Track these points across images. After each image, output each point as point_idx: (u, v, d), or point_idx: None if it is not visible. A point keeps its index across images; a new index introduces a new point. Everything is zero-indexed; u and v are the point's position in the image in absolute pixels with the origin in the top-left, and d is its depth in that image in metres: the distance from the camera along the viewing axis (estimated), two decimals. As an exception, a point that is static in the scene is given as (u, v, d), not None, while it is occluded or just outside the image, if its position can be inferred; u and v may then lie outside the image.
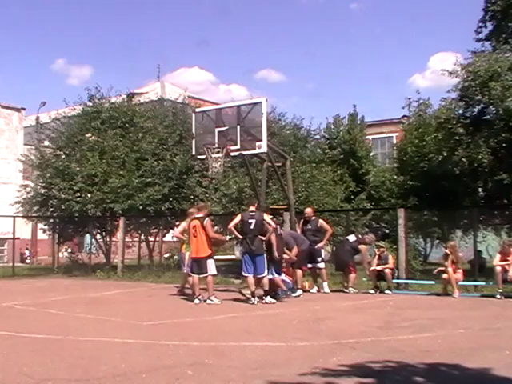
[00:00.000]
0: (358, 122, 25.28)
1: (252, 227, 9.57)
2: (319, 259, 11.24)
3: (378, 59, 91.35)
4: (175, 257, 16.33)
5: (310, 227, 11.28)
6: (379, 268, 11.15)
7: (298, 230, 11.52)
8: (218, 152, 10.76)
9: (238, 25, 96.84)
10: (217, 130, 10.94)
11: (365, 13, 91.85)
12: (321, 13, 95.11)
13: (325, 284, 11.25)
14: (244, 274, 9.65)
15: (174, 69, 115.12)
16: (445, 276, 10.43)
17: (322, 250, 11.41)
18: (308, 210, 11.67)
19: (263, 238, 9.58)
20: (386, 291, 10.95)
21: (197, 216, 9.78)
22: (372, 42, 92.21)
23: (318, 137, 23.17)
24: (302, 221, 11.60)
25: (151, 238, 18.97)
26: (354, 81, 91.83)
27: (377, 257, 11.58)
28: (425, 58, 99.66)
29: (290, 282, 10.35)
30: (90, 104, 19.49)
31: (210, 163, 10.91)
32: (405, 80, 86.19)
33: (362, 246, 11.35)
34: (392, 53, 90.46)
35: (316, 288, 11.29)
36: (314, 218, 11.50)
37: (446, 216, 16.78)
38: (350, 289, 11.08)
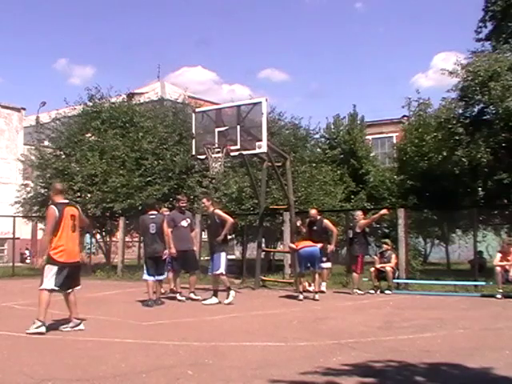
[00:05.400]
0: (358, 122, 25.30)
1: None
2: (324, 259, 11.15)
3: (381, 59, 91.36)
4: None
5: (315, 228, 11.18)
6: (379, 266, 11.17)
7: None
8: (218, 152, 10.76)
9: (242, 24, 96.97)
10: (217, 130, 10.93)
11: (369, 12, 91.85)
12: (325, 12, 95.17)
13: (323, 284, 11.21)
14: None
15: (176, 68, 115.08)
16: None
17: (328, 251, 11.23)
18: (313, 212, 11.52)
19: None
20: (386, 291, 10.95)
21: (69, 202, 7.31)
22: (375, 42, 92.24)
23: (317, 136, 23.18)
24: (307, 222, 11.54)
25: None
26: (356, 81, 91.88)
27: (379, 255, 11.62)
28: (427, 57, 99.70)
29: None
30: (90, 104, 19.50)
31: (210, 163, 10.91)
32: (407, 80, 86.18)
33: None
34: (395, 52, 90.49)
35: (313, 287, 11.23)
36: (318, 217, 11.46)
37: (445, 216, 16.78)
38: (355, 290, 10.84)
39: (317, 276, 10.21)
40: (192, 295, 9.84)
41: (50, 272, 6.54)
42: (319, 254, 10.26)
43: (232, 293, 9.39)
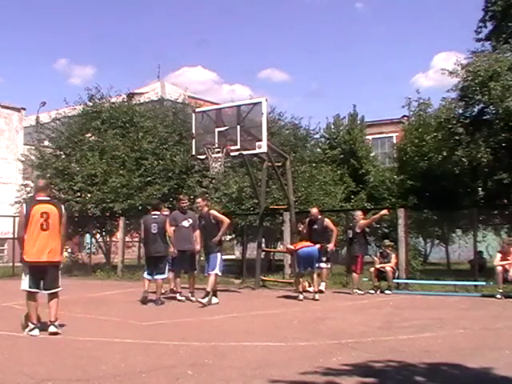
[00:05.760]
0: (358, 121, 25.29)
1: None
2: (324, 258, 11.15)
3: (381, 59, 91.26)
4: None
5: (316, 227, 11.19)
6: (379, 266, 11.18)
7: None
8: (218, 152, 10.75)
9: (242, 24, 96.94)
10: (217, 129, 10.93)
11: (369, 12, 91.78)
12: (325, 12, 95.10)
13: (322, 284, 11.20)
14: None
15: (176, 68, 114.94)
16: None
17: (328, 250, 11.22)
18: (314, 211, 11.52)
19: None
20: (386, 291, 10.95)
21: (48, 199, 6.70)
22: (375, 42, 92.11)
23: (317, 136, 23.17)
24: (307, 221, 11.55)
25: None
26: (356, 81, 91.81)
27: (379, 255, 11.61)
28: (428, 57, 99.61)
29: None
30: (90, 104, 19.50)
31: (210, 163, 10.91)
32: (407, 79, 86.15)
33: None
34: (395, 52, 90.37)
35: (313, 288, 11.22)
36: (319, 217, 11.46)
37: (445, 216, 16.78)
38: (355, 290, 10.84)
39: (315, 276, 10.21)
40: (189, 295, 9.84)
41: (24, 272, 6.44)
42: (317, 254, 10.28)
43: (214, 299, 9.22)
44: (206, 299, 9.11)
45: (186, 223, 9.89)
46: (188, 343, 5.90)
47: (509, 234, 15.89)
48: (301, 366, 4.82)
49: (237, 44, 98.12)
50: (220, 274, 9.49)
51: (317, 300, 9.77)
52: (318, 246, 10.35)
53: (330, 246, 11.18)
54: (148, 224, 9.68)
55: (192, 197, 16.20)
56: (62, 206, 6.72)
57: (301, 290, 10.09)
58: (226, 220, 9.53)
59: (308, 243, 10.33)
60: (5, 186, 27.40)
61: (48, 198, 6.71)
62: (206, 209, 9.73)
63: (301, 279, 10.34)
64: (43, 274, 6.40)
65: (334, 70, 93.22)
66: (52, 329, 6.34)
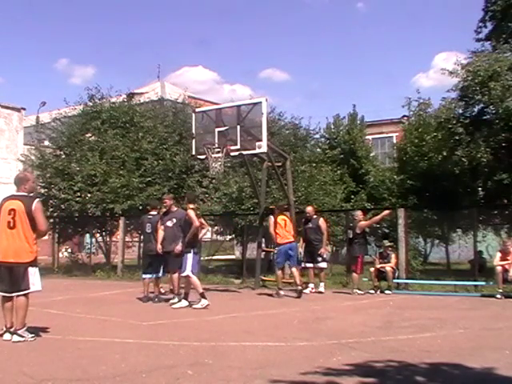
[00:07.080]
0: (358, 122, 25.28)
1: None
2: (319, 259, 11.22)
3: (382, 59, 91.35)
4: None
5: (310, 225, 11.31)
6: (379, 266, 11.18)
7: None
8: (218, 152, 10.75)
9: (243, 24, 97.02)
10: (217, 129, 10.92)
11: (370, 12, 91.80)
12: (326, 12, 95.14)
13: (321, 284, 11.22)
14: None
15: (177, 68, 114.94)
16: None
17: (319, 253, 11.25)
18: (309, 209, 11.67)
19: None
20: (386, 291, 10.96)
21: (19, 194, 6.32)
22: (376, 42, 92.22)
23: (317, 136, 23.17)
24: (303, 220, 11.61)
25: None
26: (356, 81, 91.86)
27: (379, 255, 11.62)
28: (428, 57, 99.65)
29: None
30: (91, 104, 19.49)
31: (210, 163, 10.90)
32: (408, 79, 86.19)
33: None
34: (396, 52, 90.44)
35: (311, 287, 11.23)
36: (315, 216, 11.52)
37: (445, 216, 16.77)
38: (355, 290, 10.84)
39: (295, 271, 10.61)
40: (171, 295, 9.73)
41: None
42: (296, 249, 10.77)
43: (184, 302, 8.97)
44: (199, 305, 8.82)
45: (169, 223, 9.62)
46: (188, 343, 5.90)
47: (509, 233, 15.89)
48: (301, 366, 4.82)
49: (237, 44, 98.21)
50: (191, 274, 9.00)
51: (300, 293, 10.22)
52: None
53: (321, 251, 11.24)
54: (144, 223, 10.09)
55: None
56: (35, 202, 6.08)
57: (281, 286, 10.51)
58: (195, 223, 9.05)
59: (289, 237, 10.65)
60: (5, 186, 27.35)
61: (20, 194, 6.21)
62: (191, 206, 9.34)
63: (281, 274, 10.75)
64: (10, 275, 5.95)
65: (335, 69, 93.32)
66: (15, 338, 5.86)
